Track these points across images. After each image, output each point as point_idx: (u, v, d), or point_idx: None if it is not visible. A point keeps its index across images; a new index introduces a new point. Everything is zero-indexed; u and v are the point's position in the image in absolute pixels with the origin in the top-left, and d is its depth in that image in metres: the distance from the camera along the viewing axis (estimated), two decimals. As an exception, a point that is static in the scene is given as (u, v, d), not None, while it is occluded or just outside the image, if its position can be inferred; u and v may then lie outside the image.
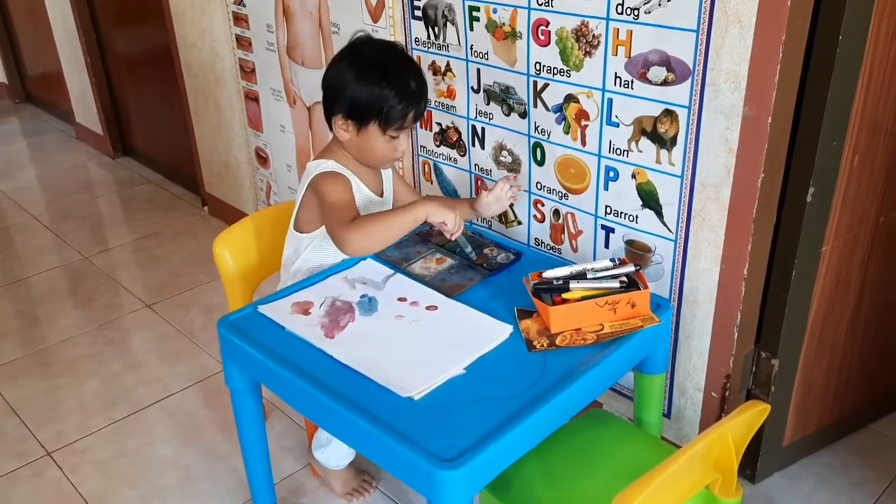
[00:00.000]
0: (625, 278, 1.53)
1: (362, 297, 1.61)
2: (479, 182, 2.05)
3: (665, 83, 1.54)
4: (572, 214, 1.85)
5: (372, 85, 1.54)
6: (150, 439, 2.10)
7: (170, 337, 2.54)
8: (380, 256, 1.73)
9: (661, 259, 1.70)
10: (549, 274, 1.56)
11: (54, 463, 2.03)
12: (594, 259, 1.85)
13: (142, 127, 3.95)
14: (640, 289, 1.50)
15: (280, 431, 2.07)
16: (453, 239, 1.63)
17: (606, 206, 1.76)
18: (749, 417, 1.24)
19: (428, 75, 2.03)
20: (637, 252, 1.75)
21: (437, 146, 2.12)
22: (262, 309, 1.58)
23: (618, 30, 1.58)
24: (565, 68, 1.70)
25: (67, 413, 2.21)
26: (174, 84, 3.23)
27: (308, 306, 1.59)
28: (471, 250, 1.71)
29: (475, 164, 2.04)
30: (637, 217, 1.71)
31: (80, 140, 4.39)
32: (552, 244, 1.93)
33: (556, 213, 1.89)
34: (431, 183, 2.19)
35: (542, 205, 1.92)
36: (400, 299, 1.60)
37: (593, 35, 1.62)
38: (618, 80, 1.62)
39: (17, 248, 3.23)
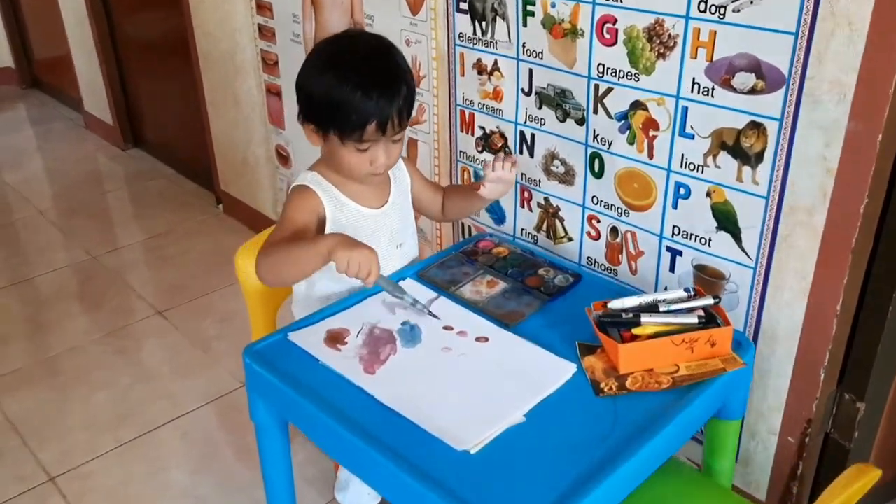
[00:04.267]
0: (702, 311, 1.36)
1: (403, 324, 1.43)
2: (525, 193, 1.87)
3: (753, 91, 1.36)
4: (633, 233, 1.67)
5: (323, 85, 1.32)
6: (161, 464, 1.94)
7: (183, 348, 2.38)
8: (423, 278, 1.56)
9: (737, 288, 1.53)
10: (616, 305, 1.39)
11: (57, 490, 1.87)
12: (656, 283, 1.67)
13: (154, 118, 3.78)
14: (720, 325, 1.33)
15: (303, 460, 1.90)
16: (369, 285, 1.34)
17: (674, 227, 1.58)
18: (863, 486, 1.07)
19: (472, 74, 1.85)
20: (708, 279, 1.57)
21: (479, 152, 1.94)
22: (293, 337, 1.41)
23: (699, 30, 1.40)
24: (633, 71, 1.52)
25: (73, 431, 2.05)
26: (190, 74, 3.05)
27: (344, 334, 1.41)
28: (413, 301, 1.41)
29: (522, 174, 1.86)
30: (710, 240, 1.53)
31: (88, 129, 4.22)
32: (607, 264, 1.76)
33: (614, 230, 1.71)
34: (471, 191, 2.01)
35: (598, 221, 1.74)
36: (446, 328, 1.42)
37: (669, 35, 1.44)
38: (696, 86, 1.44)
39: (22, 245, 3.06)
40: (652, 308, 1.37)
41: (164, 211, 3.28)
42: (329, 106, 1.32)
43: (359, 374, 1.31)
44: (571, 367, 1.32)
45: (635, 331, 1.34)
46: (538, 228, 1.88)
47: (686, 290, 1.39)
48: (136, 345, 2.40)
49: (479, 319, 1.44)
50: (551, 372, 1.31)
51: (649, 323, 1.34)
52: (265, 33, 2.52)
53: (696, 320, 1.34)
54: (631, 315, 1.35)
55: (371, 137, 1.33)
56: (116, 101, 3.87)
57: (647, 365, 1.31)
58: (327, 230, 1.46)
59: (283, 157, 2.70)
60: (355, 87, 1.29)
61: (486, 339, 1.40)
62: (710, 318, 1.34)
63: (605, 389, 1.28)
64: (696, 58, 1.42)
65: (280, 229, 1.41)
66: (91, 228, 3.15)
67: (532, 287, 1.52)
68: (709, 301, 1.36)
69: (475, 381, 1.28)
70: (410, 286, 1.54)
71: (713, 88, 1.42)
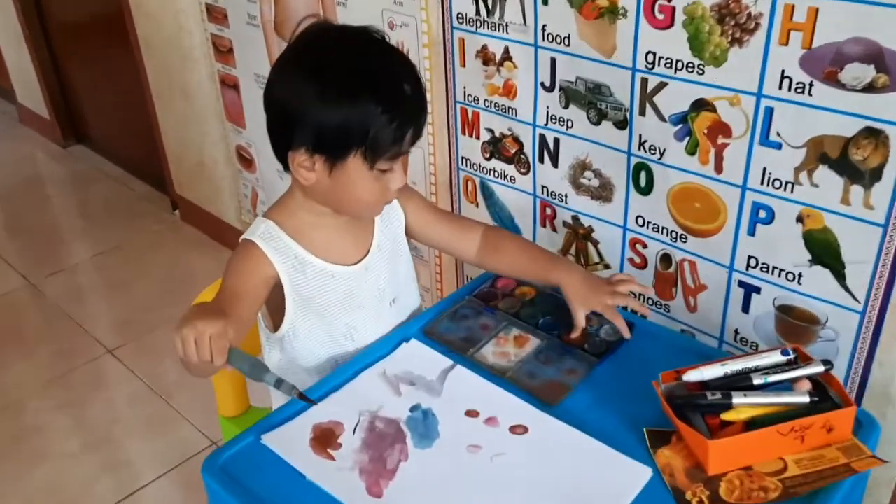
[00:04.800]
0: (808, 383, 1.03)
1: (413, 410, 1.09)
2: (547, 210, 1.52)
3: (871, 89, 1.02)
4: (692, 263, 1.33)
5: (348, 100, 1.01)
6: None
7: (139, 398, 2.01)
8: (430, 337, 1.21)
9: (836, 336, 1.20)
10: (694, 376, 1.05)
11: None
12: (722, 325, 1.34)
13: (96, 111, 3.37)
14: (835, 401, 1.01)
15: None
16: (214, 371, 0.99)
17: (750, 257, 1.25)
18: None
19: (475, 65, 1.48)
20: (797, 323, 1.24)
21: (487, 159, 1.58)
22: (269, 440, 1.05)
23: (792, 7, 1.05)
24: (697, 62, 1.17)
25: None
26: (131, 62, 2.64)
27: (336, 431, 1.07)
28: (276, 381, 0.97)
29: (542, 186, 1.50)
30: (800, 275, 1.20)
31: (23, 124, 3.77)
32: (657, 299, 1.42)
33: (666, 258, 1.37)
34: (477, 206, 1.65)
35: (645, 246, 1.39)
36: (469, 413, 1.08)
37: (749, 15, 1.09)
38: (786, 81, 1.09)
39: (-56, 271, 2.66)
40: (743, 379, 1.04)
41: (113, 220, 2.88)
42: (364, 120, 1.01)
43: (361, 496, 0.97)
44: (645, 472, 0.99)
45: (725, 416, 1.01)
46: (564, 252, 1.54)
47: (784, 352, 1.06)
48: (84, 396, 2.03)
49: (509, 398, 1.10)
50: (618, 477, 0.98)
51: (744, 405, 1.01)
52: (215, 15, 2.11)
53: (806, 399, 1.01)
54: (719, 395, 1.02)
55: (406, 148, 1.06)
56: (51, 92, 3.46)
57: (743, 462, 1.00)
58: (287, 298, 1.13)
59: (246, 160, 2.31)
60: (396, 92, 1.02)
61: (525, 430, 1.06)
62: (821, 392, 1.02)
63: (694, 502, 0.95)
64: (786, 44, 1.07)
65: (217, 298, 1.07)
66: (28, 246, 2.75)
67: (573, 346, 1.18)
68: (818, 369, 1.03)
69: (518, 497, 0.94)
70: (418, 351, 1.19)
71: (811, 84, 1.07)
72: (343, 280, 1.15)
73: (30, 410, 1.99)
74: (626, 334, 1.14)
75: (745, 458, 0.99)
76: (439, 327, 1.22)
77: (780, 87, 1.10)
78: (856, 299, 1.16)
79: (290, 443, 1.04)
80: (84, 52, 3.17)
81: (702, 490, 0.97)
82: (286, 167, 1.08)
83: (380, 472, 1.00)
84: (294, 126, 1.03)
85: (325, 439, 1.05)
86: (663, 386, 1.06)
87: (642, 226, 1.38)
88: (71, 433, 1.91)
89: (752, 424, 1.00)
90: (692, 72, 1.18)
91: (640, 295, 1.21)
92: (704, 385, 1.05)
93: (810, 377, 1.03)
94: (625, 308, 1.15)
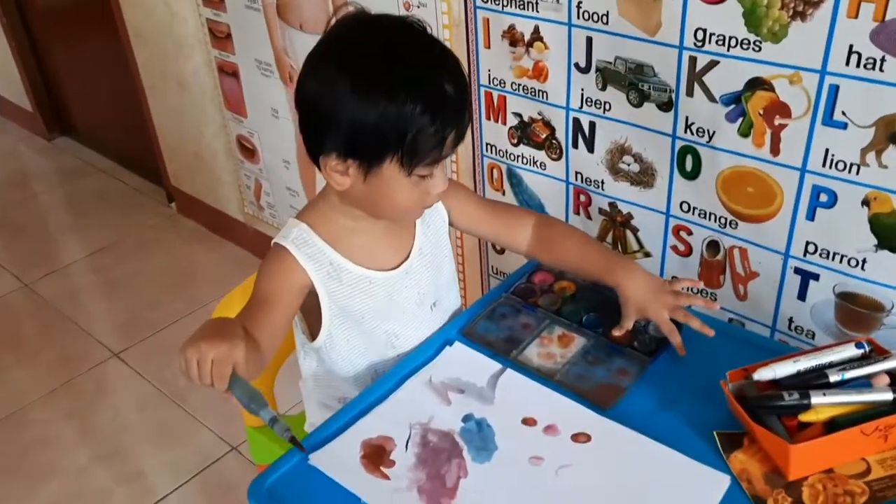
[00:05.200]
0: (887, 377, 0.98)
1: (466, 420, 1.03)
2: (581, 197, 1.45)
3: (951, 63, 0.95)
4: (743, 250, 1.27)
5: (384, 99, 0.91)
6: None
7: (150, 402, 1.93)
8: (469, 338, 1.14)
9: (902, 323, 1.14)
10: (765, 374, 0.99)
11: None
12: (775, 313, 1.28)
13: (82, 101, 3.24)
14: (920, 398, 0.95)
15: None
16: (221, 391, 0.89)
17: (808, 243, 1.18)
18: None
19: (502, 46, 1.40)
20: (860, 311, 1.18)
21: (515, 145, 1.50)
22: (317, 461, 0.98)
23: (863, -23, 0.97)
24: (752, 38, 1.10)
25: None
26: (119, 50, 2.52)
27: (387, 447, 1.00)
28: (272, 419, 0.90)
29: (576, 173, 1.43)
30: (864, 261, 1.14)
31: (5, 117, 3.64)
32: (703, 287, 1.35)
33: (714, 245, 1.30)
34: (504, 194, 1.58)
35: (690, 233, 1.33)
36: (526, 421, 1.01)
37: (813, -14, 1.01)
38: (854, 56, 1.02)
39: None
40: (819, 376, 0.98)
41: (106, 215, 2.77)
42: (401, 123, 0.92)
43: (424, 518, 0.90)
44: (724, 480, 0.93)
45: (804, 417, 0.95)
46: (601, 240, 1.46)
47: (858, 345, 1.00)
48: (90, 404, 1.94)
49: (566, 403, 1.03)
50: (696, 488, 0.92)
51: (823, 405, 0.95)
52: (211, -1, 2.01)
53: (889, 396, 0.95)
54: (797, 396, 0.96)
55: (448, 153, 0.98)
56: (33, 81, 3.33)
57: (825, 465, 0.94)
58: (323, 307, 1.06)
59: (248, 150, 2.21)
60: (437, 92, 0.92)
61: (588, 438, 0.99)
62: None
63: (780, 513, 0.89)
64: (856, 17, 1.00)
65: (248, 304, 1.01)
66: (18, 246, 2.63)
67: (620, 343, 1.11)
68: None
69: None
70: (463, 355, 1.12)
71: (883, 59, 1.00)
72: (382, 286, 1.08)
73: (34, 422, 1.90)
74: (682, 352, 1.06)
75: (827, 461, 0.93)
76: (478, 328, 1.15)
77: (848, 64, 1.03)
78: (926, 285, 1.10)
79: (339, 462, 0.97)
80: (67, 40, 3.04)
81: (783, 497, 0.91)
82: (319, 168, 1.00)
83: (439, 490, 0.93)
84: (325, 128, 0.95)
85: (376, 457, 0.98)
86: (731, 385, 1.00)
87: (687, 212, 1.31)
88: (79, 444, 1.83)
89: (831, 425, 0.95)
90: (747, 49, 1.11)
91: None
92: (776, 384, 0.99)
93: (889, 371, 0.98)
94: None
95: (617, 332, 1.07)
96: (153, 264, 2.47)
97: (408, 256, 1.10)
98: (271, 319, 1.00)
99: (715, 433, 0.98)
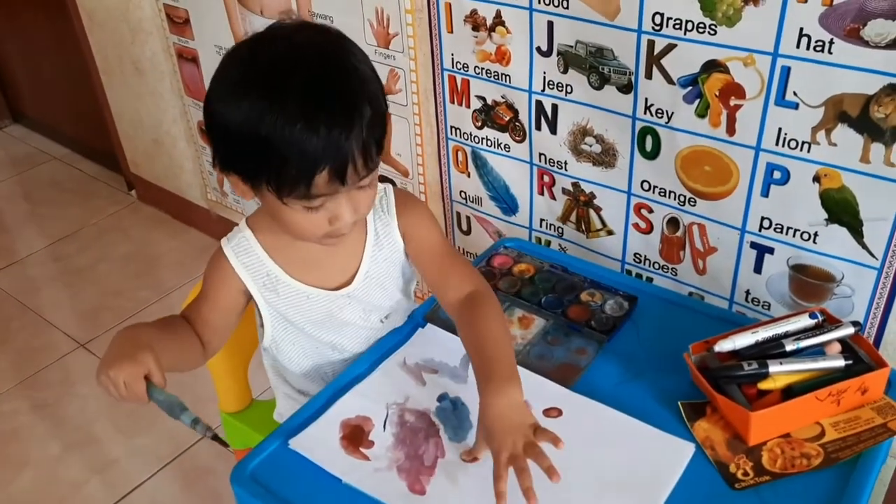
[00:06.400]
0: (838, 345, 1.04)
1: (441, 399, 1.07)
2: (545, 178, 1.48)
3: (895, 45, 1.00)
4: (701, 226, 1.32)
5: (243, 114, 0.83)
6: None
7: (120, 392, 1.92)
8: (434, 324, 1.17)
9: (851, 292, 1.20)
10: (725, 346, 1.05)
11: None
12: (733, 286, 1.33)
13: (33, 88, 3.16)
14: (869, 365, 1.01)
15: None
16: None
17: (763, 218, 1.24)
18: None
19: (464, 30, 1.42)
20: (812, 282, 1.24)
21: (479, 128, 1.52)
22: (297, 445, 1.01)
23: (812, -38, 1.02)
24: (708, 22, 1.13)
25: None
26: (71, 34, 2.46)
27: (365, 428, 1.03)
28: (193, 421, 0.94)
29: (540, 154, 1.46)
30: (815, 235, 1.20)
31: (-49, 104, 3.52)
32: (663, 262, 1.40)
33: (674, 222, 1.35)
34: (469, 176, 1.60)
35: (651, 211, 1.37)
36: (498, 398, 1.05)
37: (765, -28, 1.05)
38: (804, 39, 1.07)
39: None
40: (775, 346, 1.04)
41: (64, 204, 2.72)
42: (255, 147, 0.83)
43: (404, 495, 0.93)
44: (689, 448, 0.98)
45: (763, 385, 1.01)
46: (564, 219, 1.50)
47: (812, 315, 1.06)
48: (60, 395, 1.93)
49: (535, 379, 1.08)
50: (662, 456, 0.97)
51: (780, 373, 1.01)
52: (167, -17, 1.98)
53: (841, 363, 1.01)
54: (755, 365, 1.01)
55: (324, 191, 0.86)
56: (-20, 67, 3.21)
57: (783, 430, 1.01)
58: (263, 314, 1.08)
59: (209, 136, 2.20)
60: (292, 118, 0.81)
61: (559, 412, 1.04)
62: (851, 353, 1.02)
63: (740, 476, 0.95)
64: (805, 1, 1.04)
65: (196, 297, 1.07)
66: (-25, 238, 2.59)
67: (578, 322, 1.15)
68: (848, 331, 1.03)
69: (564, 483, 0.90)
70: (435, 336, 1.16)
71: (831, 42, 1.04)
72: (322, 302, 1.06)
73: (2, 414, 1.89)
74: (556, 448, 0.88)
75: (784, 426, 0.99)
76: (440, 313, 1.17)
77: (798, 46, 1.07)
78: (873, 255, 1.16)
79: (319, 445, 1.00)
80: (15, 23, 2.95)
81: (745, 461, 0.96)
82: None
83: (418, 469, 0.97)
84: (214, 137, 0.89)
85: (356, 438, 1.01)
86: (694, 357, 1.05)
87: (648, 191, 1.35)
88: (51, 435, 1.82)
89: (788, 392, 1.00)
90: (703, 32, 1.15)
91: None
92: (736, 354, 1.04)
93: (840, 339, 1.04)
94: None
95: (465, 458, 0.96)
96: (115, 252, 2.45)
97: (352, 279, 1.05)
98: (213, 316, 1.04)
99: (679, 403, 1.03)
